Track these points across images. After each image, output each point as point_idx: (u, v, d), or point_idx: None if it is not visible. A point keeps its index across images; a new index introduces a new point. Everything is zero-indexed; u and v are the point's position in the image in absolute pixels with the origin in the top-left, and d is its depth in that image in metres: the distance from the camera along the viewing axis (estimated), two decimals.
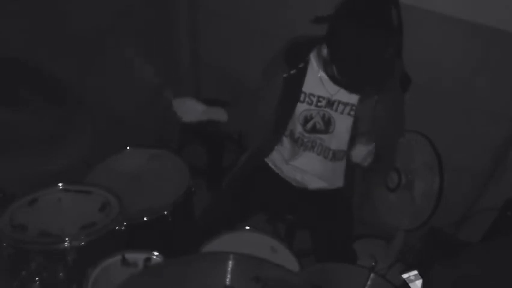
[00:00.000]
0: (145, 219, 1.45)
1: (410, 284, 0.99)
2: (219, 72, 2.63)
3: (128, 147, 1.76)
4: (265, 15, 2.26)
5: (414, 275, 0.99)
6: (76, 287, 1.21)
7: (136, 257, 1.23)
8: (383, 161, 1.49)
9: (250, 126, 1.63)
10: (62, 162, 1.48)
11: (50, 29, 1.67)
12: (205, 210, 1.59)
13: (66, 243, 1.18)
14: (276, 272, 1.00)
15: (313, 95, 1.41)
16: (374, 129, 1.38)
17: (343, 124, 1.42)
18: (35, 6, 1.61)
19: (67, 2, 1.74)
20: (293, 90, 1.42)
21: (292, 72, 1.40)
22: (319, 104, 1.42)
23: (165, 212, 1.48)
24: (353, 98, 1.38)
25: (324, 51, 1.25)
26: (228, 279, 0.98)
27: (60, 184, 1.42)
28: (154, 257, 1.23)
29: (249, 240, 1.39)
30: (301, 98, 1.42)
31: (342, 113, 1.41)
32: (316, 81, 1.39)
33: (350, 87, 1.29)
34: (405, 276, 0.99)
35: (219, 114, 1.47)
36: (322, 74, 1.37)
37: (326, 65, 1.32)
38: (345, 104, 1.40)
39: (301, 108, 1.44)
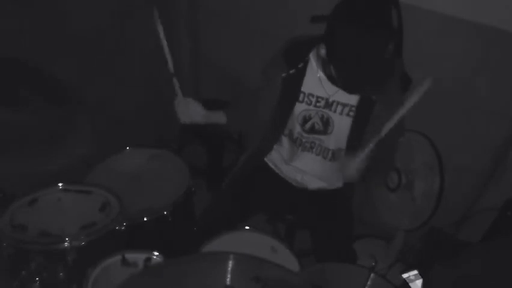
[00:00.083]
0: (145, 219, 1.45)
1: (410, 284, 0.98)
2: (219, 72, 2.63)
3: (128, 147, 1.76)
4: (265, 15, 2.26)
5: (415, 275, 0.99)
6: (76, 287, 1.21)
7: (136, 257, 1.23)
8: (383, 162, 1.49)
9: (250, 126, 1.63)
10: (62, 162, 1.48)
11: (50, 29, 1.67)
12: (205, 210, 1.59)
13: (66, 243, 1.18)
14: (276, 272, 1.00)
15: (313, 95, 1.41)
16: (374, 129, 1.38)
17: (342, 125, 1.42)
18: (35, 6, 1.61)
19: (66, 2, 1.74)
20: (292, 90, 1.42)
21: (291, 72, 1.40)
22: (318, 104, 1.42)
23: (165, 212, 1.48)
24: (353, 99, 1.38)
25: (323, 51, 1.25)
26: (228, 279, 0.98)
27: (60, 184, 1.42)
28: (154, 257, 1.23)
29: (249, 240, 1.39)
30: (300, 98, 1.42)
31: (341, 113, 1.40)
32: (316, 81, 1.39)
33: (348, 88, 1.29)
34: (405, 276, 0.99)
35: (218, 118, 1.48)
36: (321, 74, 1.37)
37: (324, 65, 1.32)
38: (344, 105, 1.39)
39: (300, 108, 1.43)
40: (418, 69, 1.48)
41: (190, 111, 1.40)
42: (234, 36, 2.44)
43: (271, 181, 1.63)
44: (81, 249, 1.20)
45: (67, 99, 1.56)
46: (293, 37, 1.44)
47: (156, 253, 1.23)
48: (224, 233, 1.39)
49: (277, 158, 1.62)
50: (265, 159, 1.65)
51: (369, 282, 1.18)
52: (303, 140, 1.49)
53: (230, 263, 0.99)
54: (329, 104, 1.40)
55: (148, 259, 1.22)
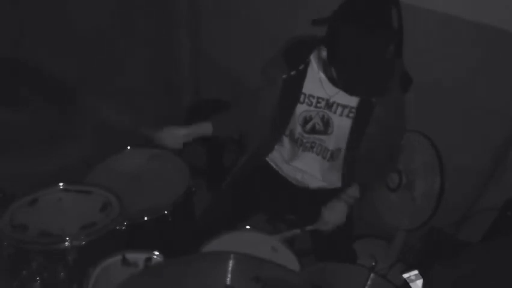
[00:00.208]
0: (145, 219, 1.45)
1: (411, 284, 0.98)
2: (219, 72, 2.63)
3: (128, 147, 1.75)
4: (265, 15, 2.26)
5: (415, 275, 0.99)
6: (76, 287, 1.21)
7: (136, 257, 1.22)
8: (383, 164, 1.50)
9: (250, 126, 1.63)
10: (62, 162, 1.48)
11: (50, 29, 1.67)
12: (205, 210, 1.59)
13: (66, 243, 1.18)
14: (276, 272, 1.00)
15: (313, 96, 1.41)
16: (374, 130, 1.38)
17: (342, 126, 1.42)
18: (35, 6, 1.61)
19: (67, 2, 1.74)
20: (293, 91, 1.42)
21: (292, 73, 1.40)
22: (318, 105, 1.42)
23: (165, 212, 1.48)
24: (353, 101, 1.38)
25: (324, 53, 1.25)
26: (228, 279, 0.98)
27: (60, 184, 1.41)
28: (155, 257, 1.23)
29: (249, 240, 1.39)
30: (301, 99, 1.42)
31: (341, 115, 1.40)
32: (316, 82, 1.39)
33: (349, 89, 1.29)
34: (406, 276, 0.99)
35: (203, 129, 1.50)
36: (322, 75, 1.37)
37: (325, 67, 1.32)
38: (344, 106, 1.39)
39: (301, 109, 1.43)
40: (418, 69, 1.48)
41: (170, 137, 1.47)
42: (234, 36, 2.44)
43: (271, 180, 1.63)
44: (81, 249, 1.20)
45: (67, 99, 1.56)
46: (293, 37, 1.44)
47: (156, 253, 1.23)
48: (224, 233, 1.39)
49: (278, 158, 1.62)
50: (267, 158, 1.65)
51: (369, 282, 1.19)
52: (304, 140, 1.49)
53: (230, 263, 0.99)
54: (329, 105, 1.40)
55: (149, 259, 1.22)
